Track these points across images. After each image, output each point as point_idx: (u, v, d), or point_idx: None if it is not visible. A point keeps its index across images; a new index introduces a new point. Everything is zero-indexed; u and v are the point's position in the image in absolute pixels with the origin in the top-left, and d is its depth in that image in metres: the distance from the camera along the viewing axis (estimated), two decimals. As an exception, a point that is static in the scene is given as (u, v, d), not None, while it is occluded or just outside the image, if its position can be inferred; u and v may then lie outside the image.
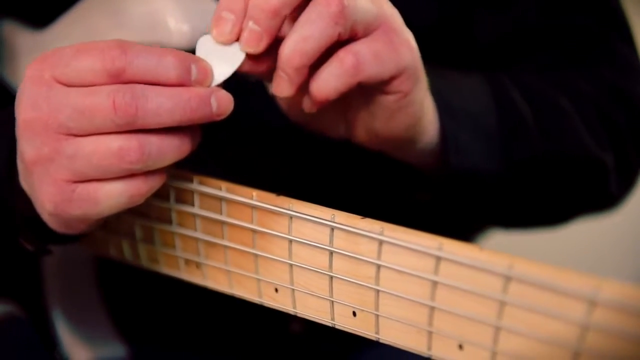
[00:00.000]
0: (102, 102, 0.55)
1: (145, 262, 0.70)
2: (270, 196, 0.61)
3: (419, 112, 0.66)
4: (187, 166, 0.67)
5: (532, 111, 0.77)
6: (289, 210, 0.60)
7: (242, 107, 0.79)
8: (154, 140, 0.56)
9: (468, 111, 0.73)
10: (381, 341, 0.58)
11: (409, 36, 0.62)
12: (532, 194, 0.79)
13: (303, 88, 0.60)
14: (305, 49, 0.58)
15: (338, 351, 0.87)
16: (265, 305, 0.63)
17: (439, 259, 0.53)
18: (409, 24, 0.63)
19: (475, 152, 0.73)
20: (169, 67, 0.57)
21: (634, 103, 0.85)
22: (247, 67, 0.61)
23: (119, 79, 0.56)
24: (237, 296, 0.65)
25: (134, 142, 0.56)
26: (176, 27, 0.69)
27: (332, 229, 0.58)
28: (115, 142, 0.56)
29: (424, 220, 0.59)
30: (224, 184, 0.63)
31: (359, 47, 0.59)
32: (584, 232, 1.13)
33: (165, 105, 0.56)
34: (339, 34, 0.58)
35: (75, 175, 0.57)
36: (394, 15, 0.61)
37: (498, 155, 0.74)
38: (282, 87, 0.60)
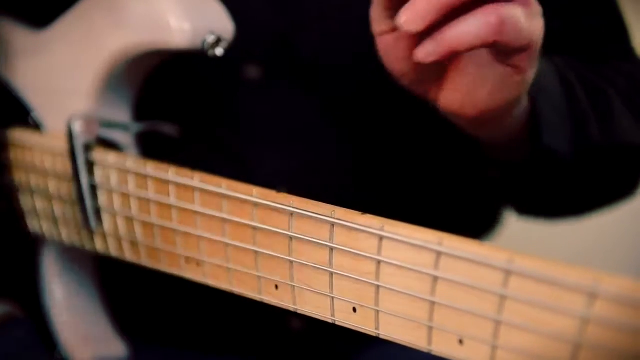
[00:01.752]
0: None
1: (145, 260, 0.70)
2: (271, 193, 0.61)
3: (524, 91, 0.67)
4: (188, 164, 0.67)
5: (587, 97, 0.78)
6: (289, 207, 0.60)
7: (245, 107, 0.79)
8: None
9: (547, 90, 0.73)
10: (381, 337, 0.58)
11: (541, 14, 0.63)
12: (582, 181, 0.80)
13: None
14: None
15: (338, 348, 0.87)
16: (266, 302, 0.63)
17: (439, 254, 0.53)
18: None
19: (560, 133, 0.74)
20: None
21: None
22: None
23: None
24: (237, 293, 0.65)
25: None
26: (177, 25, 0.69)
27: (332, 225, 0.58)
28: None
29: (430, 221, 0.59)
30: (225, 182, 0.63)
31: (505, 11, 0.59)
32: (585, 228, 1.13)
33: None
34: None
35: None
36: None
37: (570, 138, 0.75)
38: (411, 20, 0.58)
